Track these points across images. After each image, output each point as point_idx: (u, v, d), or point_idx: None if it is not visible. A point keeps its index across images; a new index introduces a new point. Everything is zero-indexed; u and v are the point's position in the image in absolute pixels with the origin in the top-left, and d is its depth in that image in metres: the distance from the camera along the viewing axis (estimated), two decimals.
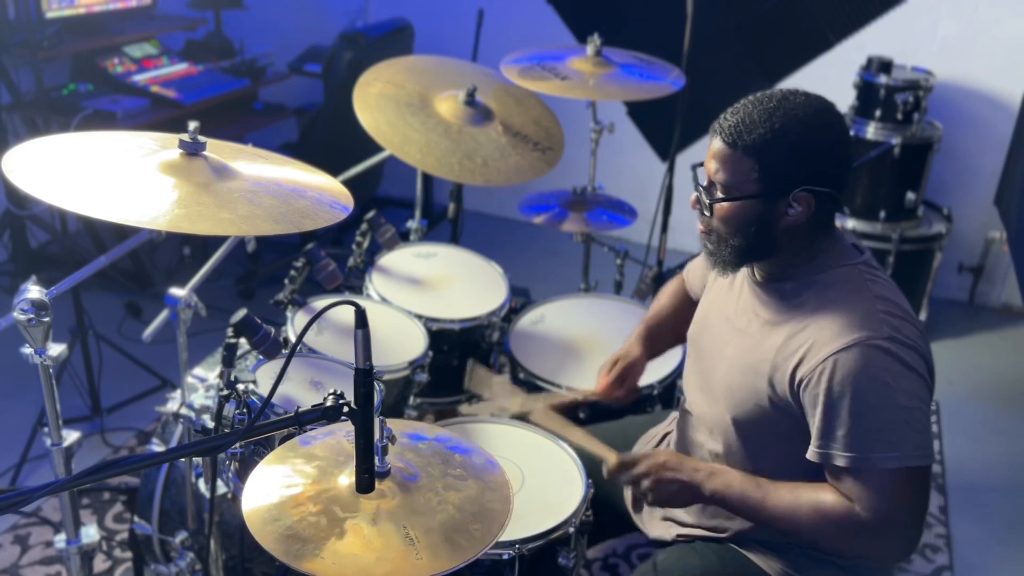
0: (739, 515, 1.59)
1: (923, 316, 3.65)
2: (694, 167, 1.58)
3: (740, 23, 3.93)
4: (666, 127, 3.06)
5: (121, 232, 2.16)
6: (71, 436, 1.71)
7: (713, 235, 1.54)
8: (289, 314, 2.16)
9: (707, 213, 1.53)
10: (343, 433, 1.36)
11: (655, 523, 1.77)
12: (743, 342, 1.57)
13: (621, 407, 2.04)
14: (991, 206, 3.67)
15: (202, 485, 1.90)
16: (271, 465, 1.30)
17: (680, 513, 1.72)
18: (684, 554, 1.66)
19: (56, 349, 1.60)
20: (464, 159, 2.36)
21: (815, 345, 1.45)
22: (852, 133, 3.46)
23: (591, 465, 1.84)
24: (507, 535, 1.53)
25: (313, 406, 1.18)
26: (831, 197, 1.48)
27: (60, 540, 1.80)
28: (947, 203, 3.74)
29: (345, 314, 1.13)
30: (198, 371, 2.13)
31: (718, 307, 1.68)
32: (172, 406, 1.98)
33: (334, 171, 1.65)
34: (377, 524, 1.19)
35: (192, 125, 1.35)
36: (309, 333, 2.02)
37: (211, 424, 1.83)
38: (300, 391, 1.82)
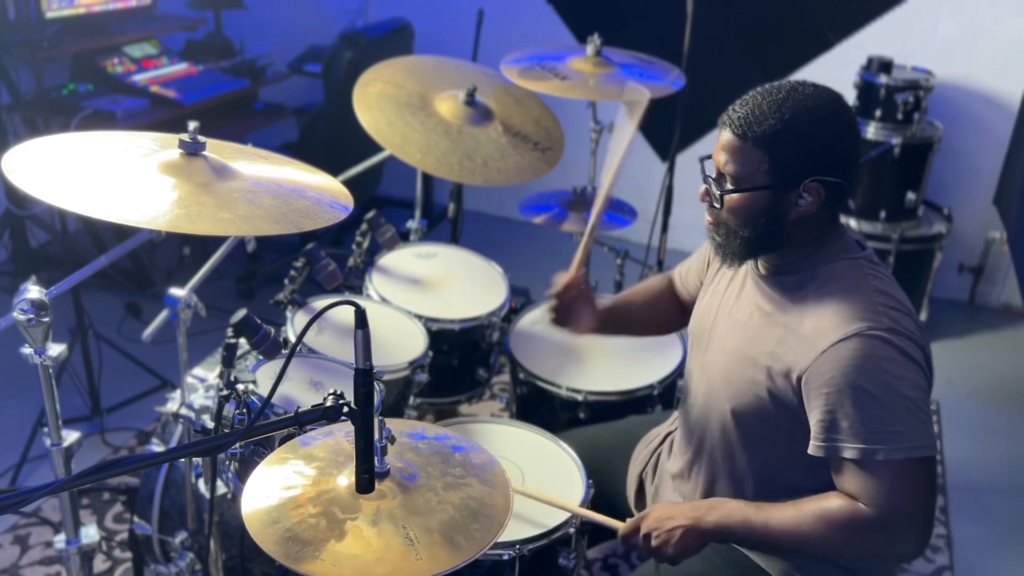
0: (746, 544, 1.57)
1: (923, 316, 3.66)
2: (702, 159, 1.58)
3: (740, 23, 3.93)
4: (666, 127, 3.06)
5: (121, 232, 2.16)
6: (71, 436, 1.71)
7: (722, 227, 1.54)
8: (289, 314, 2.16)
9: (717, 205, 1.52)
10: (343, 433, 1.36)
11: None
12: (744, 334, 1.58)
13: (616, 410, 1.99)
14: (991, 206, 3.67)
15: (202, 485, 1.90)
16: (271, 466, 1.30)
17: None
18: None
19: (56, 349, 1.60)
20: (464, 159, 2.36)
21: (815, 336, 1.45)
22: None
23: (591, 465, 1.84)
24: (507, 535, 1.53)
25: (313, 406, 1.18)
26: (841, 188, 1.48)
27: (60, 540, 1.80)
28: (947, 203, 3.75)
29: (345, 314, 1.13)
30: (198, 371, 2.13)
31: (720, 301, 1.69)
32: (172, 406, 1.98)
33: (334, 171, 1.65)
34: (377, 525, 1.19)
35: (192, 125, 1.35)
36: (309, 333, 2.02)
37: (211, 424, 1.83)
38: (300, 391, 1.82)
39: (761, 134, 1.44)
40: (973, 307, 3.99)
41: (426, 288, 2.44)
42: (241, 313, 1.68)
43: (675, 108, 2.91)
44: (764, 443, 1.57)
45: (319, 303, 2.18)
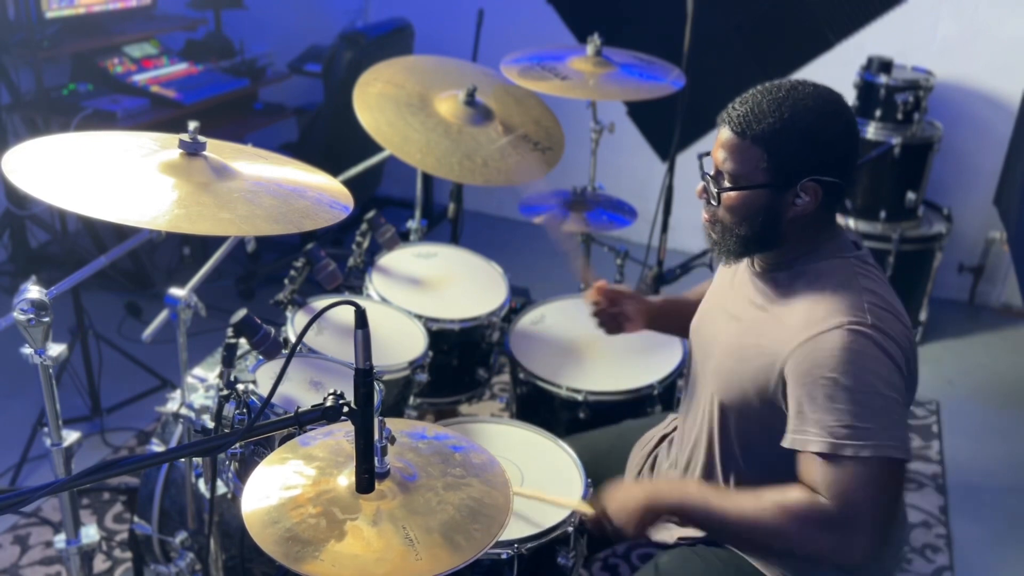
0: (703, 527, 1.58)
1: (923, 316, 3.65)
2: (701, 156, 1.58)
3: (740, 23, 3.93)
4: (666, 127, 3.06)
5: (121, 232, 2.16)
6: (71, 436, 1.71)
7: (718, 224, 1.54)
8: (289, 314, 2.16)
9: (714, 202, 1.53)
10: (343, 433, 1.36)
11: (657, 526, 1.77)
12: (735, 329, 1.59)
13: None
14: (991, 206, 3.67)
15: (202, 485, 1.90)
16: (271, 466, 1.30)
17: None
18: (686, 557, 1.66)
19: (56, 349, 1.60)
20: (464, 159, 2.36)
21: (798, 327, 1.46)
22: None
23: (591, 465, 1.84)
24: (506, 535, 1.53)
25: (313, 406, 1.18)
26: (838, 187, 1.48)
27: (60, 540, 1.80)
28: (947, 203, 3.74)
29: (345, 314, 1.13)
30: (198, 371, 2.13)
31: (718, 299, 1.70)
32: (172, 406, 1.98)
33: (334, 171, 1.65)
34: (377, 525, 1.19)
35: (192, 125, 1.35)
36: (309, 333, 2.02)
37: (211, 424, 1.83)
38: (300, 391, 1.82)
39: (760, 132, 1.44)
40: (973, 307, 3.99)
41: (426, 288, 2.44)
42: (241, 313, 1.68)
43: (675, 108, 2.91)
44: (759, 443, 1.57)
45: (319, 303, 2.18)
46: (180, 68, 3.76)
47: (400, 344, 2.15)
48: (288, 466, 1.29)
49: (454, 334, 2.31)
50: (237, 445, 1.49)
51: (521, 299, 3.13)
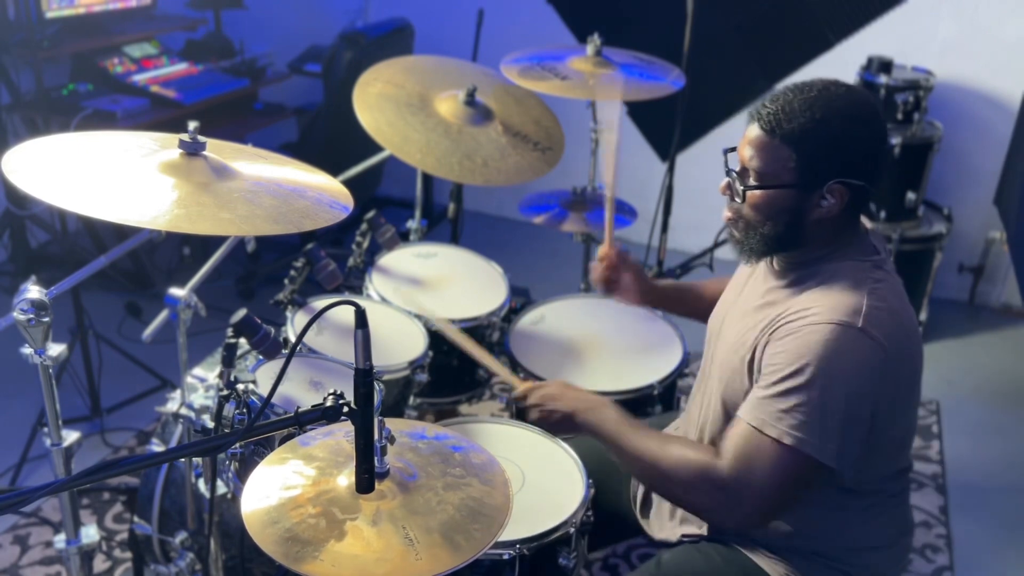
0: (612, 453, 1.63)
1: (923, 316, 3.65)
2: (726, 152, 1.57)
3: (740, 23, 3.93)
4: (666, 127, 3.06)
5: (121, 232, 2.16)
6: (71, 436, 1.70)
7: (742, 222, 1.54)
8: (289, 314, 2.16)
9: (738, 200, 1.52)
10: (343, 433, 1.36)
11: (662, 526, 1.77)
12: (742, 325, 1.59)
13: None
14: (991, 206, 3.67)
15: (202, 485, 1.90)
16: (271, 466, 1.30)
17: (688, 517, 1.72)
18: (689, 555, 1.66)
19: (56, 349, 1.60)
20: (464, 159, 2.36)
21: (787, 321, 1.47)
22: None
23: (591, 467, 1.84)
24: (507, 535, 1.53)
25: (313, 406, 1.18)
26: (864, 191, 1.48)
27: (60, 540, 1.80)
28: (947, 203, 3.74)
29: (345, 314, 1.13)
30: (198, 371, 2.13)
31: (734, 296, 1.70)
32: (172, 406, 1.98)
33: (334, 171, 1.65)
34: (377, 525, 1.19)
35: (192, 125, 1.35)
36: (309, 333, 2.01)
37: (211, 424, 1.83)
38: (300, 391, 1.82)
39: (790, 131, 1.44)
40: (973, 307, 3.99)
41: (426, 288, 2.44)
42: (241, 313, 1.68)
43: (675, 108, 2.91)
44: None
45: (319, 303, 2.18)
46: (180, 68, 3.76)
47: (400, 344, 2.15)
48: (288, 466, 1.29)
49: None
50: (237, 445, 1.49)
51: (521, 299, 3.13)
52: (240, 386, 1.63)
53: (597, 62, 2.61)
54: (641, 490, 1.84)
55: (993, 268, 3.92)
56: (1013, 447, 3.10)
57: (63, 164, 1.29)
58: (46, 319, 1.54)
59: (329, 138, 3.63)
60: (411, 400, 2.20)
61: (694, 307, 2.00)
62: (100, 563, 2.36)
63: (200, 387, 2.03)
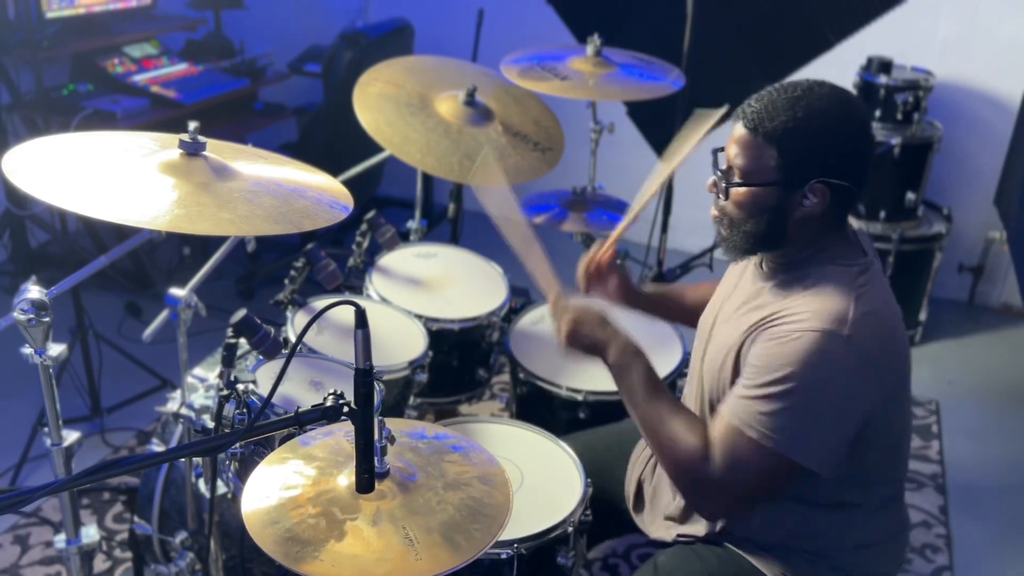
0: (622, 393, 1.63)
1: (923, 316, 3.65)
2: (715, 151, 1.58)
3: (740, 23, 3.93)
4: (666, 127, 3.05)
5: (121, 232, 2.16)
6: (71, 436, 1.70)
7: (725, 220, 1.55)
8: (289, 314, 2.16)
9: (722, 197, 1.53)
10: (343, 433, 1.36)
11: (656, 524, 1.77)
12: (729, 327, 1.60)
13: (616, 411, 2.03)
14: (991, 206, 3.67)
15: (202, 485, 1.90)
16: (271, 466, 1.30)
17: (684, 518, 1.72)
18: (685, 556, 1.66)
19: (56, 349, 1.60)
20: (464, 159, 2.36)
21: (773, 324, 1.47)
22: None
23: (590, 465, 1.84)
24: (506, 535, 1.53)
25: (313, 406, 1.18)
26: (847, 192, 1.48)
27: (60, 540, 1.80)
28: (947, 203, 3.74)
29: (345, 314, 1.13)
30: (198, 371, 2.13)
31: (722, 299, 1.70)
32: (172, 406, 1.98)
33: (334, 171, 1.65)
34: (377, 525, 1.19)
35: (192, 125, 1.35)
36: (309, 333, 2.02)
37: (211, 424, 1.83)
38: (300, 391, 1.82)
39: (772, 130, 1.44)
40: (973, 307, 3.99)
41: (426, 288, 2.44)
42: (241, 313, 1.68)
43: (675, 108, 2.91)
44: None
45: (319, 303, 2.18)
46: (180, 68, 3.76)
47: (400, 344, 2.15)
48: (288, 466, 1.30)
49: (454, 334, 2.31)
50: (237, 445, 1.49)
51: (521, 299, 3.13)
52: (240, 386, 1.63)
53: (597, 62, 2.61)
54: (633, 490, 1.84)
55: (993, 268, 3.92)
56: (1013, 447, 3.10)
57: (63, 164, 1.29)
58: (46, 319, 1.54)
59: (329, 138, 3.63)
60: (411, 400, 2.20)
61: (677, 313, 2.00)
62: (100, 563, 2.36)
63: (200, 387, 2.03)
